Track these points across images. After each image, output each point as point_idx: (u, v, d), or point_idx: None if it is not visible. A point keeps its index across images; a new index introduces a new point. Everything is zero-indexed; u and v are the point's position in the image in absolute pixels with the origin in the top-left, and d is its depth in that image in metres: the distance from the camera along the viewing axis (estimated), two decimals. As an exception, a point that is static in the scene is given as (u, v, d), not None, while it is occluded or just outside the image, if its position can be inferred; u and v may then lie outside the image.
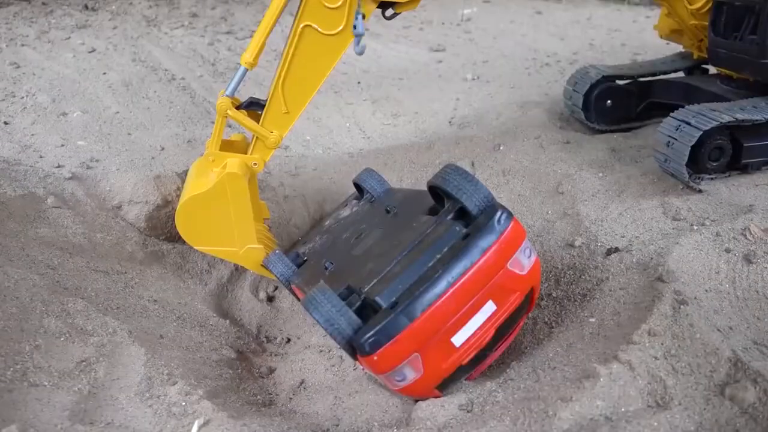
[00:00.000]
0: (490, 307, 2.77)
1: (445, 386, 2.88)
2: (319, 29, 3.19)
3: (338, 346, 3.00)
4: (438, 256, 2.80)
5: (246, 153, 3.56)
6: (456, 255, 2.72)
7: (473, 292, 2.71)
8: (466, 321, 2.72)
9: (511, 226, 2.77)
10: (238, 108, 3.46)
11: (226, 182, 3.37)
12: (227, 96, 3.38)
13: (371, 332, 2.58)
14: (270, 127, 3.46)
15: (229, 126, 3.52)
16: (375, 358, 2.59)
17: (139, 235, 4.25)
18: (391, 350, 2.59)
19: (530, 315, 3.60)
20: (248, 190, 3.47)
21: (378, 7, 3.28)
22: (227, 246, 3.55)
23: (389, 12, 3.33)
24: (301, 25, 3.19)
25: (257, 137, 3.50)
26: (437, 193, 3.12)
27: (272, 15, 3.23)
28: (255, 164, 3.52)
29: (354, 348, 2.67)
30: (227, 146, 3.64)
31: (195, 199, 3.42)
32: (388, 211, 3.45)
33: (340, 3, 3.13)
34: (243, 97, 3.61)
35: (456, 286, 2.66)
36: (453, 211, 2.98)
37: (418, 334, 2.62)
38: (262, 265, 3.59)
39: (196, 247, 3.61)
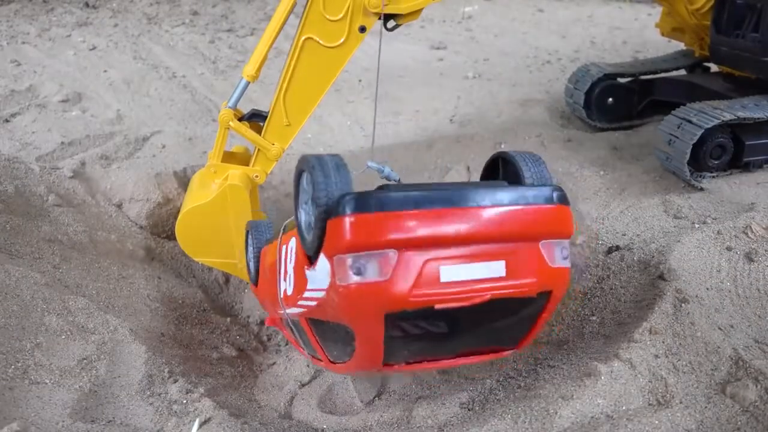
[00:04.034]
0: (498, 269, 2.24)
1: (393, 350, 2.32)
2: (321, 42, 3.20)
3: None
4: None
5: (248, 164, 3.57)
6: (497, 186, 2.30)
7: (494, 233, 2.21)
8: (467, 260, 2.20)
9: (563, 207, 2.32)
10: (240, 120, 3.47)
11: (227, 194, 3.38)
12: (229, 108, 3.39)
13: (361, 193, 2.12)
14: (271, 139, 3.47)
15: (232, 137, 3.54)
16: (347, 219, 2.06)
17: (140, 232, 4.25)
18: (370, 222, 2.07)
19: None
20: (249, 202, 3.48)
21: (380, 18, 3.28)
22: (226, 258, 3.57)
23: (391, 23, 3.33)
24: (303, 38, 3.20)
25: (259, 149, 3.50)
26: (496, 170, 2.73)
27: (274, 27, 3.24)
28: (256, 176, 3.53)
29: (328, 215, 2.15)
30: (229, 158, 3.64)
31: (195, 210, 3.42)
32: None
33: (341, 15, 3.13)
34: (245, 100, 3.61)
35: (482, 208, 2.18)
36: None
37: (413, 227, 2.10)
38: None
39: (195, 259, 3.63)
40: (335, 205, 2.11)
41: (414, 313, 2.18)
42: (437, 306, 2.15)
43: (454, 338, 2.40)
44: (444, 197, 2.14)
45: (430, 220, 2.11)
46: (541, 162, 2.55)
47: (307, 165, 2.27)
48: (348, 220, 2.05)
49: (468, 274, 2.19)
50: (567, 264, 2.40)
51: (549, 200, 2.28)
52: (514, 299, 2.27)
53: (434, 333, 2.34)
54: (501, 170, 2.67)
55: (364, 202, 2.06)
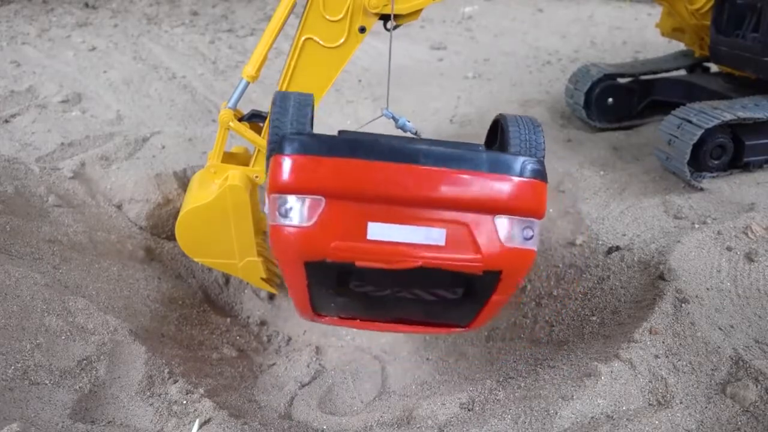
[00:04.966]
0: (436, 236, 2.05)
1: (319, 299, 2.20)
2: (321, 42, 3.20)
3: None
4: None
5: (248, 165, 3.57)
6: (459, 148, 2.12)
7: (439, 198, 2.03)
8: (401, 221, 2.03)
9: (534, 182, 2.09)
10: (240, 120, 3.47)
11: (227, 194, 3.38)
12: (229, 108, 3.39)
13: (305, 135, 2.05)
14: None
15: (232, 137, 3.54)
16: (282, 159, 1.99)
17: (140, 233, 4.25)
18: (303, 165, 1.98)
19: (530, 313, 3.60)
20: (249, 203, 3.47)
21: (380, 19, 3.28)
22: (227, 258, 3.56)
23: (391, 24, 3.33)
24: (303, 38, 3.20)
25: (259, 149, 3.50)
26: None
27: (274, 27, 3.24)
28: (256, 177, 3.53)
29: (272, 152, 2.09)
30: (229, 158, 3.64)
31: (195, 211, 3.42)
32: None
33: (341, 16, 3.13)
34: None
35: (430, 168, 2.00)
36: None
37: (346, 176, 1.98)
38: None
39: (195, 259, 3.62)
40: (278, 142, 2.04)
41: (336, 266, 2.06)
42: (358, 263, 2.03)
43: (388, 303, 2.24)
44: (390, 150, 1.99)
45: (366, 172, 1.98)
46: (539, 130, 2.37)
47: (272, 99, 2.24)
48: (282, 160, 1.99)
49: (399, 237, 2.05)
50: (530, 246, 2.16)
51: (516, 171, 2.07)
52: (456, 274, 2.10)
53: (363, 293, 2.19)
54: (498, 135, 2.51)
55: (303, 143, 1.98)
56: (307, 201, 2.01)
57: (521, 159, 2.09)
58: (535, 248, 2.19)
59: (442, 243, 2.06)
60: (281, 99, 2.21)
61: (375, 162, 1.98)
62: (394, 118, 2.90)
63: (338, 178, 1.99)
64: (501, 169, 2.05)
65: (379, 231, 2.03)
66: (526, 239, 2.14)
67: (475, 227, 2.08)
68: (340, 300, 2.25)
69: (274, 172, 2.00)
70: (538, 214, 2.14)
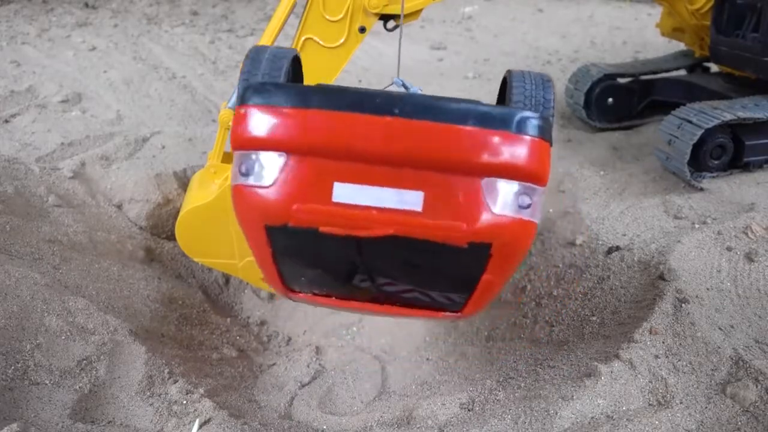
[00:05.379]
0: (412, 200, 1.76)
1: (287, 272, 1.98)
2: (321, 42, 3.20)
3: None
4: None
5: None
6: (442, 99, 1.79)
7: (416, 155, 1.72)
8: (372, 181, 1.76)
9: (534, 140, 1.75)
10: None
11: (227, 194, 3.37)
12: (229, 108, 3.39)
13: (270, 85, 1.83)
14: None
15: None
16: (242, 110, 1.78)
17: (140, 233, 4.25)
18: (263, 118, 1.74)
19: (530, 313, 3.60)
20: None
21: (380, 19, 3.29)
22: (227, 258, 3.56)
23: (391, 24, 3.32)
24: (303, 38, 3.20)
25: None
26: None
27: (274, 27, 3.24)
28: None
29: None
30: (229, 158, 3.63)
31: (195, 211, 3.42)
32: None
33: (341, 16, 3.13)
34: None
35: (405, 120, 1.70)
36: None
37: (309, 130, 1.73)
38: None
39: (195, 259, 3.62)
40: (242, 94, 1.81)
41: (300, 232, 1.81)
42: (322, 229, 1.77)
43: (364, 279, 1.98)
44: (360, 100, 1.72)
45: (331, 124, 1.71)
46: (548, 85, 2.10)
47: (246, 54, 2.05)
48: (242, 112, 1.77)
49: (369, 200, 1.77)
50: (526, 216, 1.81)
51: (511, 127, 1.73)
52: (439, 247, 1.80)
53: (335, 266, 1.96)
54: (507, 92, 2.20)
55: (266, 94, 1.74)
56: (268, 158, 1.77)
57: (519, 113, 1.76)
58: (533, 219, 1.84)
59: (419, 208, 1.76)
60: (255, 52, 2.03)
61: (342, 113, 1.71)
62: (404, 86, 2.65)
63: (300, 132, 1.73)
64: (493, 124, 1.73)
65: (345, 192, 1.76)
66: (522, 207, 1.80)
67: (459, 191, 1.76)
68: (309, 273, 2.01)
69: (234, 126, 1.80)
70: (537, 178, 1.79)
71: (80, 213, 4.16)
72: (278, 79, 1.98)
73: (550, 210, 4.33)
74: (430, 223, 1.76)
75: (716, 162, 4.16)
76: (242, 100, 1.78)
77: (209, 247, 3.53)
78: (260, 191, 1.78)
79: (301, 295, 2.11)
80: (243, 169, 1.80)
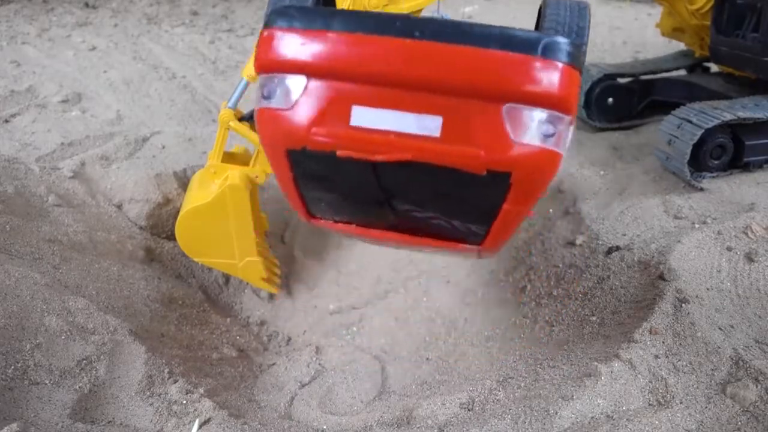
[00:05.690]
0: (431, 124, 1.73)
1: (313, 200, 1.99)
2: None
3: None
4: None
5: (248, 165, 3.57)
6: (462, 22, 1.73)
7: (436, 78, 1.68)
8: (391, 105, 1.73)
9: (558, 64, 1.65)
10: (240, 120, 3.47)
11: (227, 194, 3.38)
12: (229, 108, 3.39)
13: (294, 8, 1.80)
14: None
15: (232, 137, 3.54)
16: (265, 33, 1.78)
17: (140, 233, 4.25)
18: (284, 39, 1.74)
19: (530, 313, 3.60)
20: (249, 203, 3.47)
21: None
22: (227, 258, 3.56)
23: None
24: None
25: (259, 149, 3.50)
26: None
27: None
28: (257, 177, 3.53)
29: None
30: (229, 158, 3.64)
31: (195, 211, 3.42)
32: None
33: None
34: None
35: (425, 42, 1.65)
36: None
37: (328, 52, 1.71)
38: None
39: (195, 259, 3.62)
40: (268, 17, 1.81)
41: (318, 156, 1.80)
42: (339, 153, 1.77)
43: (385, 206, 1.97)
44: (383, 23, 1.68)
45: (350, 47, 1.69)
46: (584, 13, 1.97)
47: None
48: (265, 34, 1.76)
49: (387, 124, 1.74)
50: (549, 146, 1.76)
51: (537, 50, 1.64)
52: (457, 174, 1.77)
53: (354, 191, 1.96)
54: (539, 19, 2.12)
55: (289, 16, 1.73)
56: (289, 81, 1.77)
57: (547, 37, 1.67)
58: (558, 150, 1.78)
59: (437, 134, 1.73)
60: None
61: (363, 35, 1.68)
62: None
63: (320, 54, 1.71)
64: (517, 47, 1.64)
65: (364, 116, 1.74)
66: (546, 136, 1.74)
67: (479, 117, 1.70)
68: (330, 199, 2.01)
69: (258, 49, 1.79)
70: (563, 106, 1.71)
71: (80, 213, 4.16)
72: (306, 3, 1.96)
73: (550, 210, 4.33)
74: (447, 149, 1.72)
75: (716, 162, 4.16)
76: (267, 23, 1.78)
77: (209, 247, 3.53)
78: (280, 114, 1.78)
79: (322, 221, 2.13)
80: (265, 92, 1.81)
